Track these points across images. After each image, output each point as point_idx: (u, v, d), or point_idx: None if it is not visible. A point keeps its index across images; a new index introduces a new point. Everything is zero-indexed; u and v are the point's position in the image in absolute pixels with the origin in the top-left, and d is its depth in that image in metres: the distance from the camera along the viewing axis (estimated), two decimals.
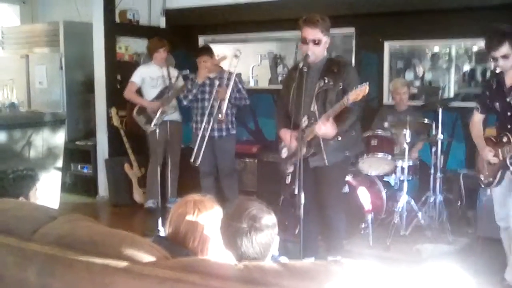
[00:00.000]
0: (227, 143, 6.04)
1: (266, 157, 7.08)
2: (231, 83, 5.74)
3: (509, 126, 3.88)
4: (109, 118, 7.04)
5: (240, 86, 6.00)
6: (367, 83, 3.72)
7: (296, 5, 6.55)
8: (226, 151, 6.07)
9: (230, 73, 5.85)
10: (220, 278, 1.80)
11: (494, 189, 4.12)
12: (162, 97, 6.39)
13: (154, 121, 5.76)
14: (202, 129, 5.84)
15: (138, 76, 6.53)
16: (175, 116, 6.62)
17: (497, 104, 3.96)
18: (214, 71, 5.93)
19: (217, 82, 5.86)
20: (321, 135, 3.96)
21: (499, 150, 3.92)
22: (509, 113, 3.88)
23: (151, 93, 6.52)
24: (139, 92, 6.60)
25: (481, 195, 5.17)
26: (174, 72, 6.56)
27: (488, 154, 4.00)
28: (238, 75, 6.17)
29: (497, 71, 3.94)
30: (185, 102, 6.03)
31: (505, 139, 3.88)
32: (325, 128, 3.89)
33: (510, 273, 4.07)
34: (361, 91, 3.70)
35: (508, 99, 3.86)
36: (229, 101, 5.85)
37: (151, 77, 6.52)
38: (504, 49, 3.73)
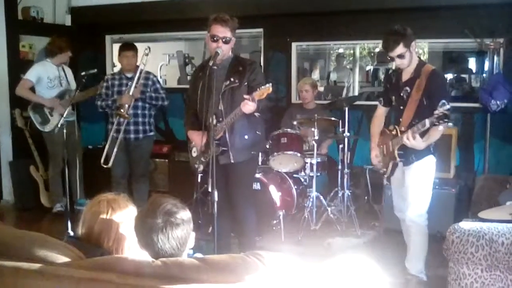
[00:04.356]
0: (143, 145, 5.85)
1: (177, 156, 7.07)
2: (135, 81, 5.52)
3: (400, 120, 4.08)
4: (12, 119, 6.78)
5: (158, 85, 5.86)
6: (270, 84, 3.81)
7: (205, 5, 6.57)
8: (141, 154, 5.87)
9: (147, 72, 5.74)
10: (138, 276, 1.79)
11: (392, 180, 4.31)
12: (62, 99, 6.21)
13: (61, 122, 5.51)
14: (112, 130, 5.67)
15: (34, 75, 6.19)
16: (71, 116, 6.31)
17: (393, 97, 4.20)
18: (134, 70, 5.68)
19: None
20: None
21: (390, 142, 4.12)
22: (401, 107, 4.09)
23: (47, 94, 6.25)
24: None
25: (386, 189, 5.40)
26: (68, 71, 6.38)
27: (372, 153, 4.30)
28: (154, 75, 6.03)
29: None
30: (99, 103, 5.75)
31: (394, 132, 4.09)
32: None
33: (409, 261, 4.26)
34: (265, 89, 3.79)
35: (401, 93, 4.09)
36: (145, 100, 5.71)
37: (48, 77, 6.25)
38: (399, 49, 3.91)
